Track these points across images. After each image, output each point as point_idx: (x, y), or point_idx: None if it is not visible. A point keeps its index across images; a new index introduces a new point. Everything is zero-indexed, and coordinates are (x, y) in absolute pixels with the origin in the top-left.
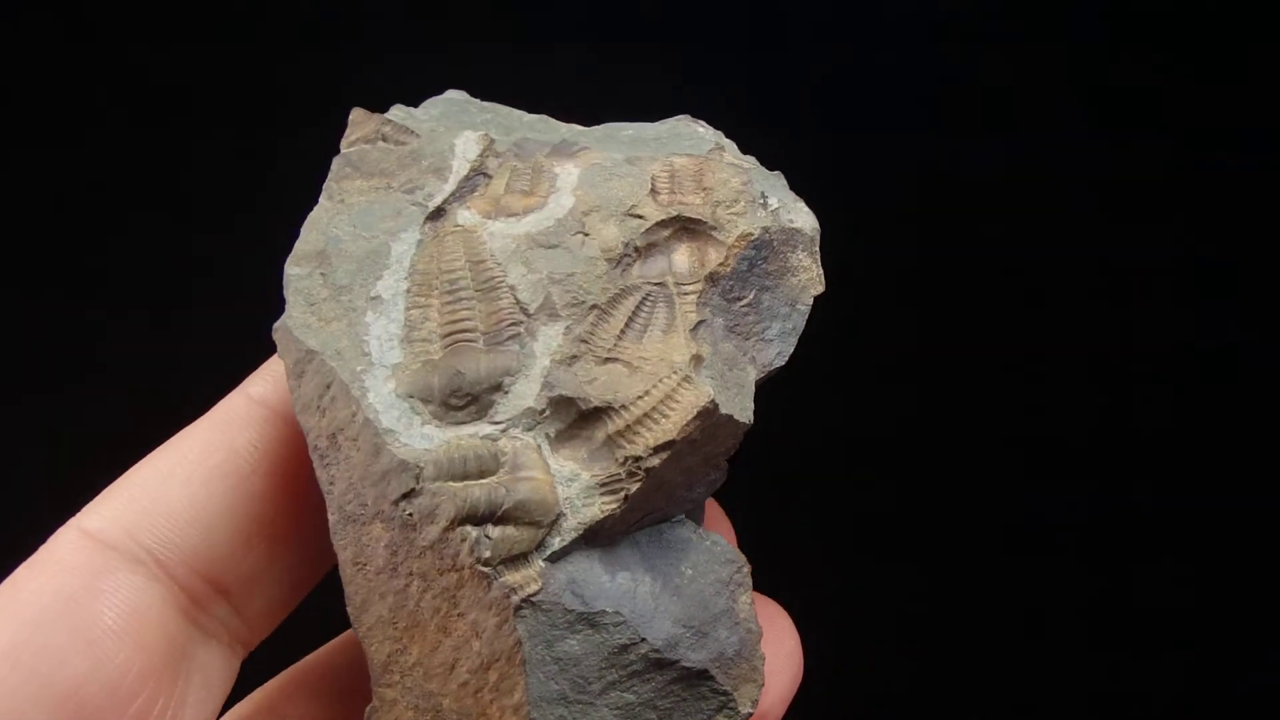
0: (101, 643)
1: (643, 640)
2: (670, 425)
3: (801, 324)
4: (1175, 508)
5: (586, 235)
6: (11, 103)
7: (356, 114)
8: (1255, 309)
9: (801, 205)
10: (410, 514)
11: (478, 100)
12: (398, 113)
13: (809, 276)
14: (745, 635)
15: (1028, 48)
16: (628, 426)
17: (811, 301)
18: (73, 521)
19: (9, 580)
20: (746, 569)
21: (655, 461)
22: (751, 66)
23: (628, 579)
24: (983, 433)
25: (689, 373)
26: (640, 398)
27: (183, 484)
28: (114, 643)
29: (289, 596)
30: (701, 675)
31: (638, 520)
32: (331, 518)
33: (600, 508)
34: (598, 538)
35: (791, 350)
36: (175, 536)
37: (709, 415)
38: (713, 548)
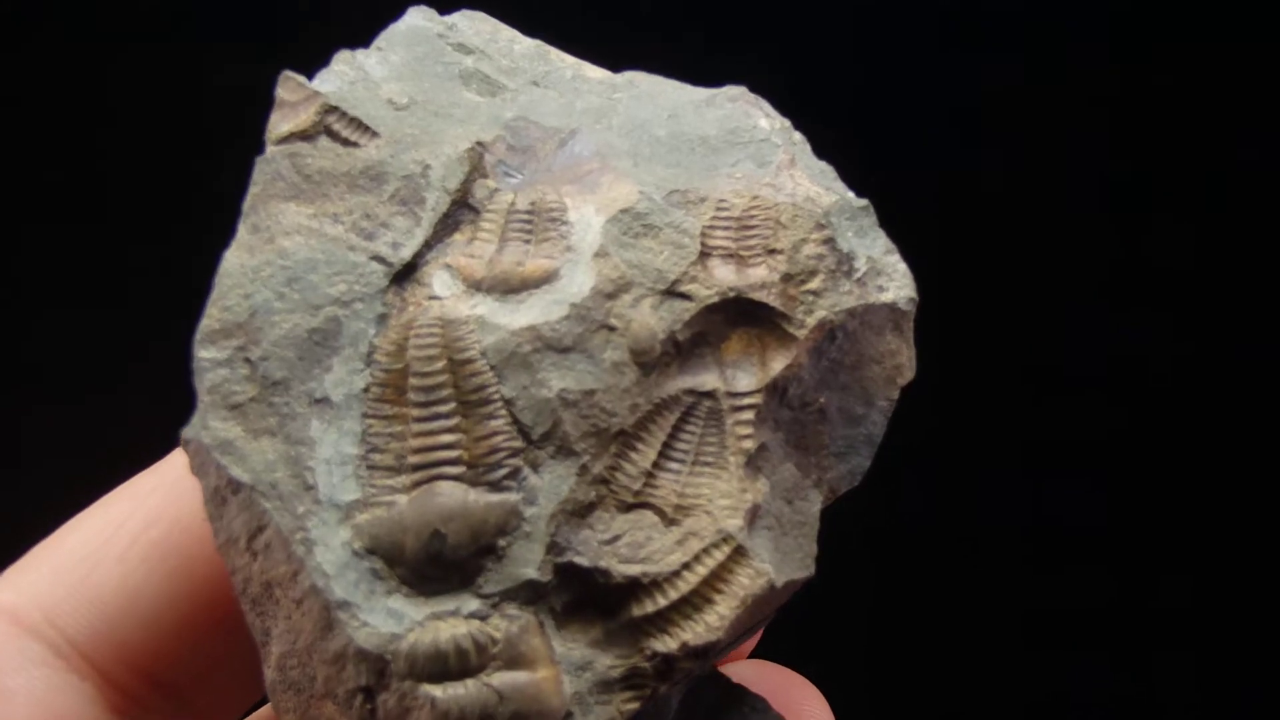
0: None
1: None
2: (715, 620)
3: (881, 428)
4: (1186, 514)
5: (612, 330)
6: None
7: (287, 86)
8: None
9: (895, 260)
10: (372, 710)
11: (451, 28)
12: (343, 69)
13: (895, 364)
14: None
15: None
16: (659, 613)
17: (896, 396)
18: None
19: None
20: None
21: (690, 665)
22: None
23: None
24: (995, 439)
25: (743, 540)
26: (678, 575)
27: (115, 562)
28: None
29: (247, 690)
30: None
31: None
32: (268, 673)
33: (619, 708)
34: None
35: (867, 466)
36: (105, 627)
37: (764, 601)
38: (750, 716)
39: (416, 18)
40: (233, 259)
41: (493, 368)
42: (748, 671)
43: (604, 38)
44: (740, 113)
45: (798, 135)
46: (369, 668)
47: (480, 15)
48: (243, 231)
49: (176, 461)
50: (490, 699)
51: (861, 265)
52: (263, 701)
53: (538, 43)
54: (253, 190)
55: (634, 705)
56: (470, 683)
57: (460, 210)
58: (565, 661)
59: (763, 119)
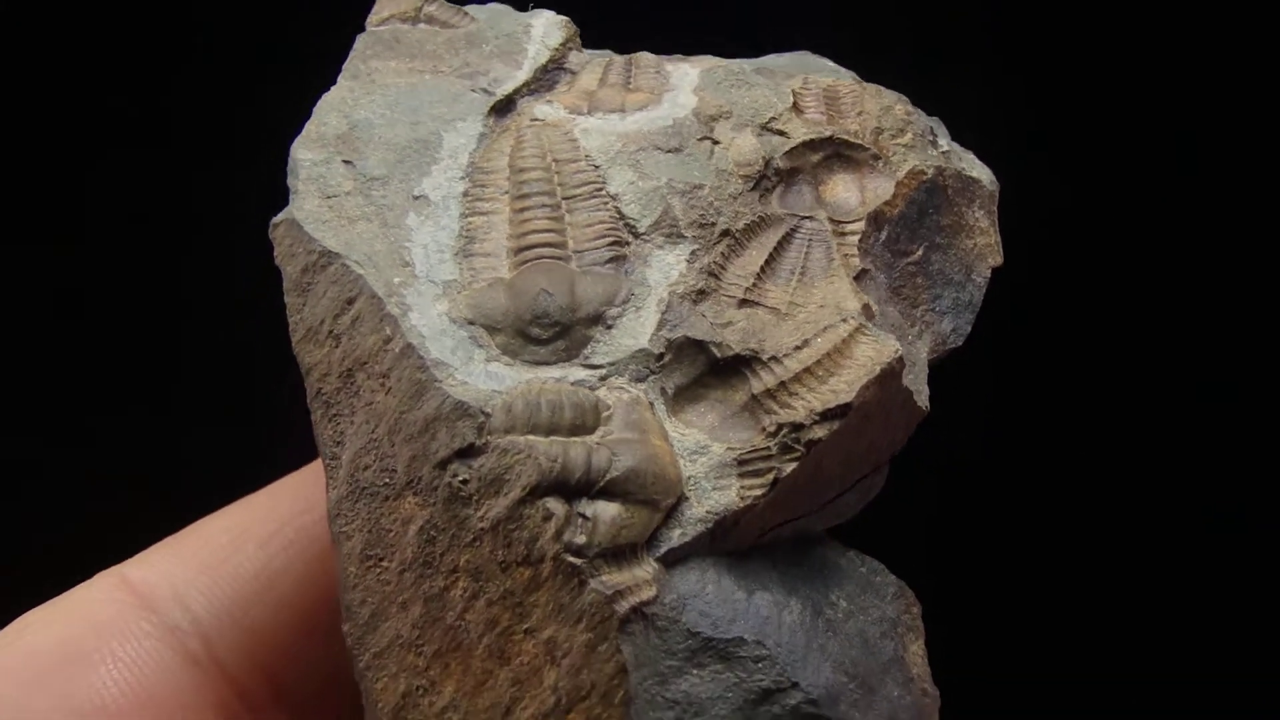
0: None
1: (794, 686)
2: (843, 385)
3: (979, 298)
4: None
5: (716, 143)
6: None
7: None
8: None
9: (973, 157)
10: (465, 481)
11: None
12: None
13: (986, 242)
14: (920, 699)
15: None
16: (782, 385)
17: (989, 274)
18: (119, 565)
19: (20, 620)
20: (917, 609)
21: (821, 433)
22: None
23: (769, 601)
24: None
25: (864, 321)
26: (799, 348)
27: (257, 546)
28: None
29: None
30: None
31: (774, 527)
32: (332, 493)
33: (739, 493)
34: (726, 539)
35: (969, 330)
36: (236, 609)
37: (892, 377)
38: (871, 577)
39: (496, 6)
40: (334, 94)
41: (596, 167)
42: None
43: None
44: (810, 58)
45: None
46: (466, 426)
47: None
48: (344, 79)
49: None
50: (602, 456)
51: (944, 144)
52: None
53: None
54: (351, 57)
55: (756, 491)
56: (578, 439)
57: (557, 72)
58: (678, 446)
59: (830, 63)
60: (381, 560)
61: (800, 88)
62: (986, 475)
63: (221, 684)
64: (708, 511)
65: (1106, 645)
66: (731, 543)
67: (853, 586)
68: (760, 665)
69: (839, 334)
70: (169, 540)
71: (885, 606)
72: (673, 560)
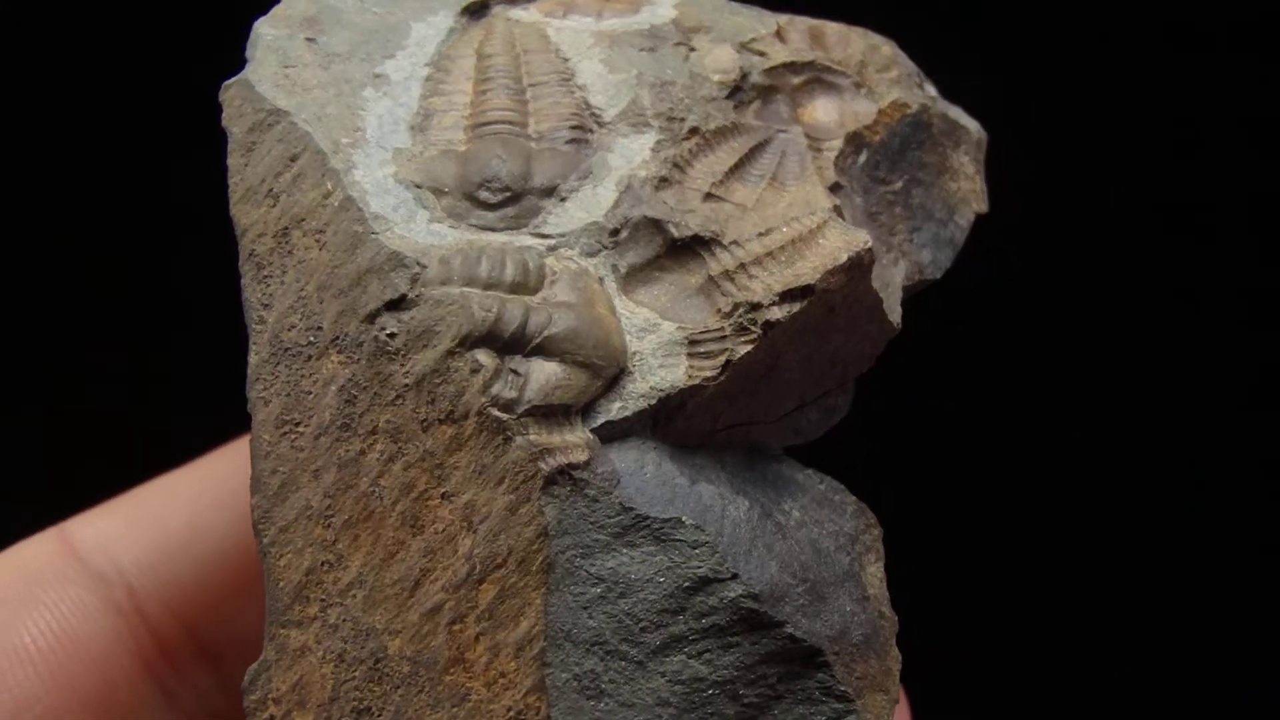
0: (8, 662)
1: (734, 577)
2: (807, 269)
3: (961, 239)
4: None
5: (693, 50)
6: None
7: None
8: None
9: (961, 110)
10: (392, 335)
11: None
12: None
13: (971, 188)
14: (876, 620)
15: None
16: (742, 266)
17: (972, 219)
18: (64, 522)
19: None
20: (878, 531)
21: (779, 314)
22: None
23: (713, 493)
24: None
25: (832, 217)
26: (763, 235)
27: (188, 501)
28: (26, 667)
29: None
30: (812, 658)
31: (727, 428)
32: (253, 359)
33: (687, 372)
34: (671, 425)
35: (948, 265)
36: (161, 561)
37: (860, 269)
38: (829, 494)
39: None
40: None
41: (566, 60)
42: None
43: None
44: None
45: None
46: (399, 277)
47: None
48: None
49: None
50: (540, 317)
51: (932, 90)
52: None
53: None
54: None
55: (707, 372)
56: (517, 297)
57: None
58: (627, 325)
59: None
60: (298, 425)
61: (785, 23)
62: (957, 418)
63: (142, 632)
64: (651, 387)
65: (1072, 593)
66: (678, 432)
67: (807, 499)
68: (698, 551)
69: (807, 224)
70: (113, 500)
71: (843, 522)
72: (611, 435)
